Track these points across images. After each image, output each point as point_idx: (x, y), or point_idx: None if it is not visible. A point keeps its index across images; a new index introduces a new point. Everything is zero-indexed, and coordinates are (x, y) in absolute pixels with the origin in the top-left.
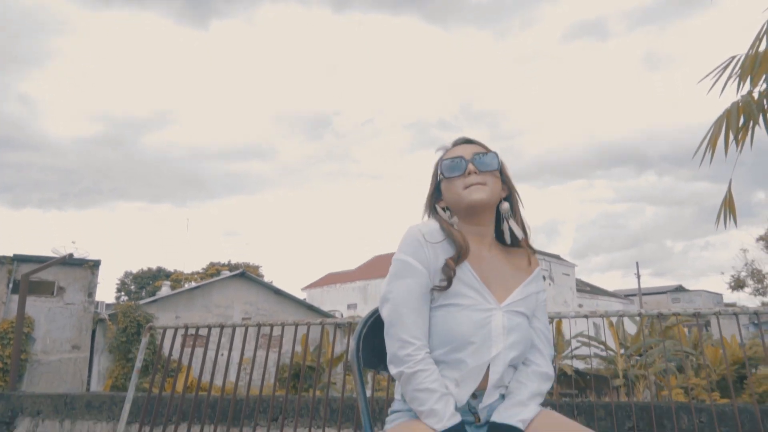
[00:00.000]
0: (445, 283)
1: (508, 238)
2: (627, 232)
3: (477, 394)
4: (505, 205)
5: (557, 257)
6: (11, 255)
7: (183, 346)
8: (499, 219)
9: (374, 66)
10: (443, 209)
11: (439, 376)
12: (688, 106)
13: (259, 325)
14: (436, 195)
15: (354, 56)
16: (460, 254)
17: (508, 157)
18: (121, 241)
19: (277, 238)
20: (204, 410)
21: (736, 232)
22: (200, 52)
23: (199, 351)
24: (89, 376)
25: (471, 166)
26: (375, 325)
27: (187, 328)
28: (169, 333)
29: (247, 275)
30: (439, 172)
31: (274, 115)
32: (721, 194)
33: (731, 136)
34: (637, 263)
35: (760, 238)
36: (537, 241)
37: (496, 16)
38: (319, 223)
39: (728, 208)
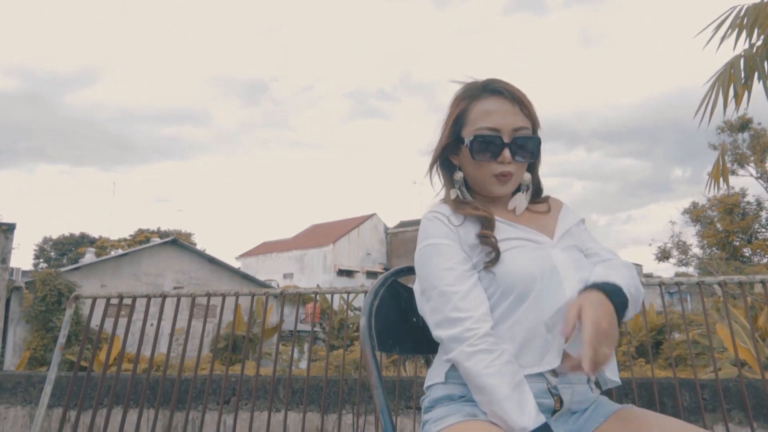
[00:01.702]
0: (493, 255)
1: (517, 209)
2: None
3: (558, 371)
4: (526, 177)
5: None
6: None
7: (104, 314)
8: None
9: (313, 32)
10: (457, 171)
11: (511, 357)
12: (619, 84)
13: (208, 295)
14: (447, 151)
15: (293, 21)
16: (490, 223)
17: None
18: (41, 206)
19: (211, 206)
20: (143, 391)
21: (655, 207)
22: (131, 4)
23: (126, 321)
24: (3, 347)
25: (507, 154)
26: (388, 296)
27: (121, 297)
28: (100, 303)
29: (179, 242)
30: (466, 143)
31: (209, 77)
32: (644, 171)
33: (731, 93)
34: None
35: (685, 212)
36: None
37: None
38: (255, 191)
39: (715, 176)
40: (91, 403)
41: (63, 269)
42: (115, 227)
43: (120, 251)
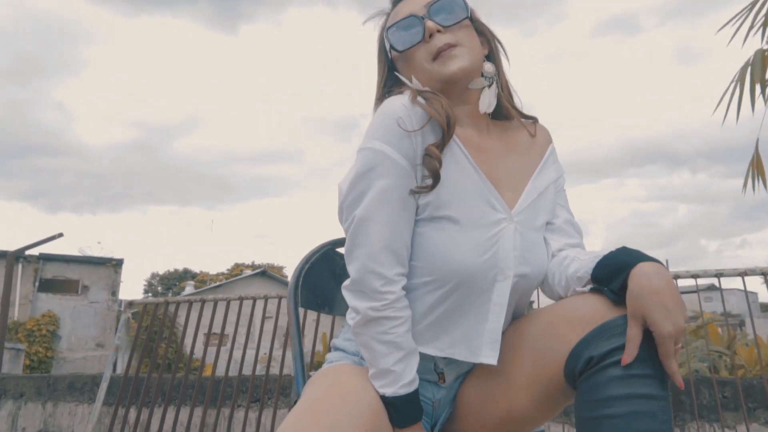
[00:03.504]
0: (430, 182)
1: (484, 107)
2: (659, 230)
3: None
4: (488, 67)
5: None
6: (37, 254)
7: (195, 340)
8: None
9: None
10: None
11: (410, 326)
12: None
13: (228, 300)
14: (389, 82)
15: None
16: (446, 133)
17: None
18: (152, 244)
19: (304, 239)
20: (182, 391)
21: None
22: (230, 57)
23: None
24: (114, 372)
25: (431, 24)
26: (322, 262)
27: (167, 303)
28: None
29: (268, 274)
30: (387, 48)
31: (302, 117)
32: (759, 191)
33: (757, 89)
34: (666, 261)
35: None
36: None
37: (524, 12)
38: None
39: (756, 169)
40: (140, 402)
41: None
42: (215, 262)
43: (216, 284)
